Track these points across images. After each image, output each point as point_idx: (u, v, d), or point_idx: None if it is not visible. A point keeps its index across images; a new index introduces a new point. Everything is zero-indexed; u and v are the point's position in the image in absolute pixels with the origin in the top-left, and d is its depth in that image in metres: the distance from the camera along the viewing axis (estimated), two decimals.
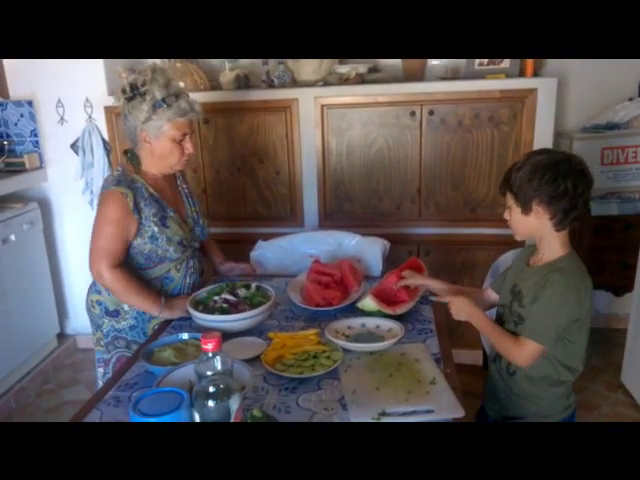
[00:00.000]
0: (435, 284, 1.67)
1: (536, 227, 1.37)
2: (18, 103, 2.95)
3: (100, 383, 1.74)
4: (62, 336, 3.23)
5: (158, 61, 2.97)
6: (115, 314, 1.74)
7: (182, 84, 1.70)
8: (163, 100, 1.61)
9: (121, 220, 1.64)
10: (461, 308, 1.47)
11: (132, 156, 1.75)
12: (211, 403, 0.99)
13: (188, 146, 1.69)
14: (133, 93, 1.63)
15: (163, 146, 1.67)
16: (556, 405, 1.46)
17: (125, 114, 1.66)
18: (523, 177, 1.33)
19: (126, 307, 1.73)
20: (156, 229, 1.68)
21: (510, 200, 1.39)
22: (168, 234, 1.70)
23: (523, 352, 1.35)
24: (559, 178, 1.29)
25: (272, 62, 2.76)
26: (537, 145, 2.51)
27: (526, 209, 1.35)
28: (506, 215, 1.42)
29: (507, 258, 1.85)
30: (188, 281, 1.80)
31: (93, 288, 1.78)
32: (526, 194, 1.33)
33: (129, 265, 1.71)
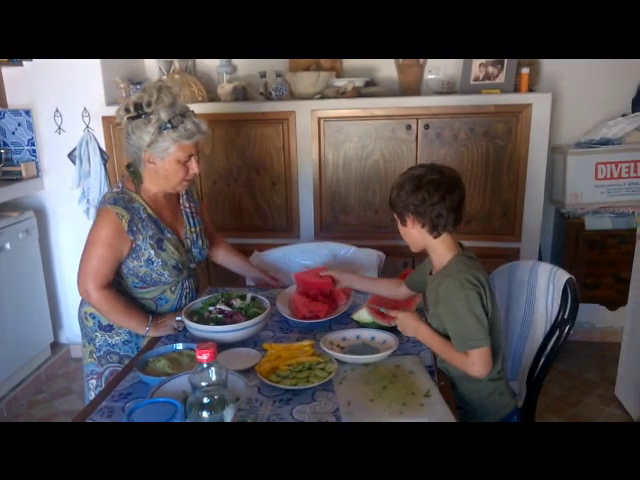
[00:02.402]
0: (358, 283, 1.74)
1: (417, 237, 1.45)
2: (16, 112, 2.95)
3: (92, 394, 1.72)
4: (56, 345, 3.21)
5: (154, 63, 3.01)
6: (108, 329, 1.72)
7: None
8: (169, 122, 1.56)
9: (113, 242, 1.61)
10: (407, 324, 1.49)
11: (134, 172, 1.70)
12: (205, 414, 0.99)
13: (193, 166, 1.66)
14: (137, 113, 1.58)
15: (168, 167, 1.63)
16: (486, 403, 1.46)
17: (128, 133, 1.61)
18: (394, 193, 1.45)
19: None
20: (152, 252, 1.66)
21: (395, 216, 1.49)
22: (164, 257, 1.67)
23: (472, 362, 1.35)
24: (416, 189, 1.39)
25: (270, 75, 2.79)
26: (532, 159, 2.53)
27: (403, 221, 1.46)
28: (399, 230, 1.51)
29: (502, 271, 1.85)
30: (184, 302, 1.77)
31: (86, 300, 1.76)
32: (398, 208, 1.45)
33: (123, 284, 1.70)
